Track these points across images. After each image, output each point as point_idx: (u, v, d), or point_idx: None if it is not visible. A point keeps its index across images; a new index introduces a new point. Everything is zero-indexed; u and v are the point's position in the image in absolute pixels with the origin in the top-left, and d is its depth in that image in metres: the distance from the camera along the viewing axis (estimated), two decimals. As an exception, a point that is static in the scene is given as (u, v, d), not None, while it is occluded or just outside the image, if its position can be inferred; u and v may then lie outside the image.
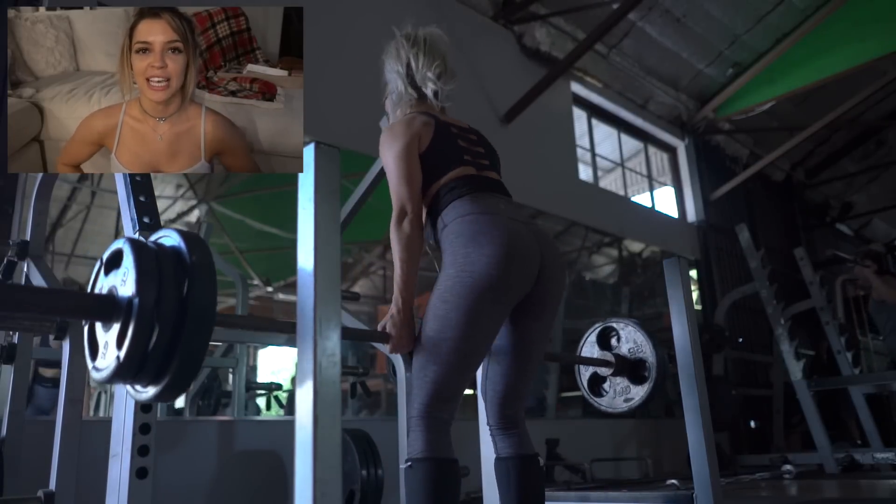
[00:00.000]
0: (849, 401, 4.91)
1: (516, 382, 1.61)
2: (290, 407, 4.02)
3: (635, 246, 6.87)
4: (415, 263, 1.56)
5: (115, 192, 1.52)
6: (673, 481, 3.08)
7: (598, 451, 4.63)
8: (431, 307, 1.52)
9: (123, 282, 0.90)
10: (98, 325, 0.94)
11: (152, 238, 0.97)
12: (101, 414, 3.76)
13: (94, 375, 0.93)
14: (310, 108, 4.11)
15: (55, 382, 2.82)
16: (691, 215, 7.47)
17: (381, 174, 2.48)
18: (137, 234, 1.40)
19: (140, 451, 1.30)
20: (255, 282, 4.18)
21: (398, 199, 1.59)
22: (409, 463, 1.46)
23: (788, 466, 4.08)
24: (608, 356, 2.11)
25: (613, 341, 2.14)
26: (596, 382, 2.17)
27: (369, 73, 4.47)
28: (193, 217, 4.22)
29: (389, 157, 1.63)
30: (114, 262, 0.94)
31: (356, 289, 4.32)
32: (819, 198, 9.96)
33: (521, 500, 1.55)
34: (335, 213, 1.05)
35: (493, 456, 1.64)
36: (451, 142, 1.67)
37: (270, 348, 4.30)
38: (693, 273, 7.19)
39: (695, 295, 7.08)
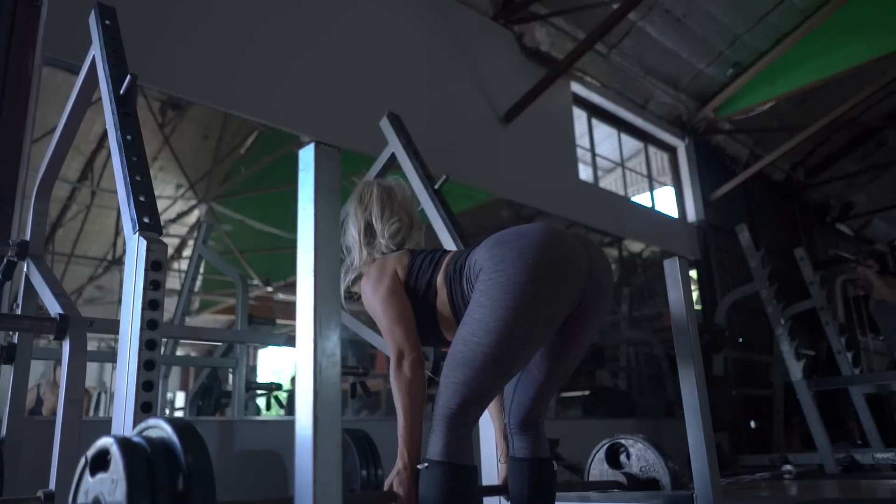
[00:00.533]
0: (849, 401, 4.91)
1: (547, 389, 1.60)
2: (290, 407, 4.02)
3: (635, 246, 6.87)
4: (420, 411, 1.49)
5: (115, 192, 1.52)
6: (673, 481, 3.07)
7: (598, 451, 4.61)
8: (468, 312, 1.45)
9: (112, 491, 0.82)
10: None
11: (138, 430, 0.89)
12: (101, 414, 3.76)
13: None
14: (310, 107, 4.12)
15: None
16: (691, 215, 7.47)
17: (381, 174, 2.48)
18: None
19: (140, 451, 1.30)
20: (255, 282, 4.17)
21: (394, 343, 1.54)
22: (427, 465, 1.42)
23: (788, 466, 4.08)
24: (619, 477, 2.06)
25: (623, 458, 2.09)
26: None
27: (370, 74, 4.48)
28: (193, 217, 4.22)
29: (376, 298, 1.60)
30: (100, 462, 0.86)
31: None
32: (819, 198, 9.95)
33: (532, 502, 1.57)
34: (335, 213, 1.05)
35: (494, 456, 1.65)
36: (430, 253, 1.67)
37: (270, 348, 4.30)
38: (693, 273, 7.19)
39: (695, 295, 7.07)
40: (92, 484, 0.86)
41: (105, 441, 0.85)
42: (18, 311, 2.22)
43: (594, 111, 6.79)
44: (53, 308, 1.67)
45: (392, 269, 1.63)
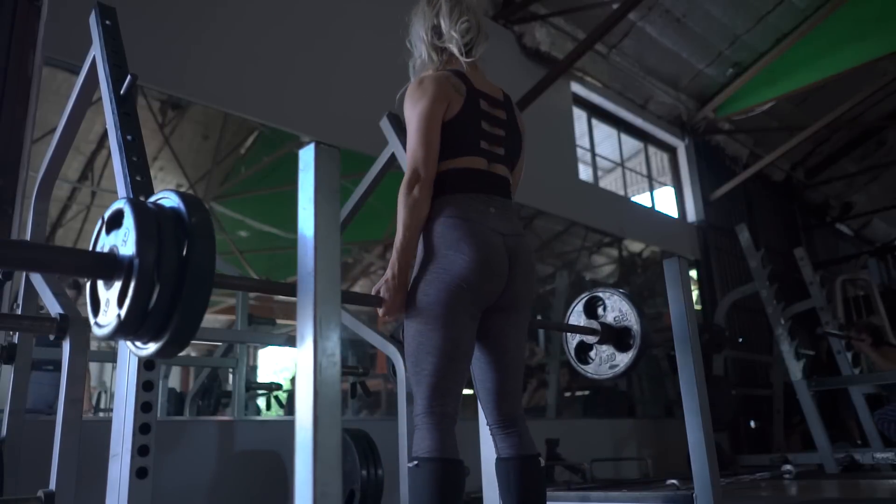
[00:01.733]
0: (849, 401, 4.91)
1: (502, 378, 1.63)
2: (290, 407, 4.02)
3: (635, 246, 6.87)
4: (418, 230, 1.57)
5: (115, 193, 1.52)
6: (673, 481, 3.08)
7: (598, 451, 4.63)
8: (414, 302, 1.54)
9: (125, 241, 0.92)
10: (100, 283, 0.97)
11: (152, 199, 0.98)
12: (101, 413, 3.76)
13: (96, 332, 0.95)
14: (310, 107, 4.12)
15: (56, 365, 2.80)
16: (691, 215, 7.47)
17: (381, 174, 2.48)
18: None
19: (140, 451, 1.30)
20: (255, 282, 4.17)
21: (413, 161, 1.57)
22: (416, 462, 1.45)
23: (788, 466, 4.08)
24: (594, 324, 2.13)
25: (600, 310, 2.16)
26: (583, 350, 2.20)
27: (370, 74, 4.48)
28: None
29: (413, 114, 1.60)
30: (115, 221, 0.96)
31: (356, 289, 4.32)
32: (819, 198, 9.95)
33: (521, 501, 1.55)
34: (335, 213, 1.05)
35: (494, 456, 1.64)
36: (474, 121, 1.65)
37: (270, 348, 4.30)
38: (693, 273, 7.20)
39: (695, 295, 7.08)
40: (107, 239, 0.96)
41: (119, 203, 0.95)
42: (19, 311, 2.23)
43: (594, 111, 6.79)
44: (54, 308, 1.67)
45: (447, 94, 1.61)
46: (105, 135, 3.32)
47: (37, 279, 1.94)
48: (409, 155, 1.60)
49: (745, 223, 5.65)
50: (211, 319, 4.23)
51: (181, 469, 2.96)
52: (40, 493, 1.47)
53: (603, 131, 6.96)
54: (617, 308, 2.12)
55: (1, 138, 2.92)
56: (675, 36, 6.66)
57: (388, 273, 1.57)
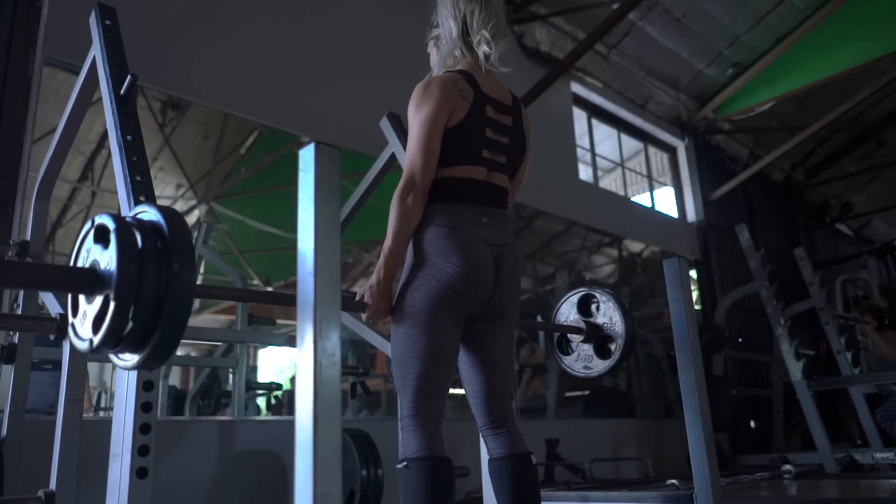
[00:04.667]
0: (848, 400, 4.91)
1: (489, 380, 1.64)
2: (289, 407, 4.02)
3: (635, 246, 6.87)
4: (407, 237, 1.58)
5: (116, 193, 1.52)
6: (673, 481, 3.08)
7: (598, 451, 4.63)
8: (401, 308, 1.55)
9: (105, 256, 0.93)
10: (81, 297, 0.98)
11: (131, 213, 0.99)
12: (102, 414, 3.76)
13: (77, 344, 0.97)
14: (310, 107, 4.12)
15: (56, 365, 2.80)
16: (691, 215, 7.47)
17: (381, 174, 2.48)
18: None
19: (140, 451, 1.30)
20: (255, 282, 4.17)
21: (411, 168, 1.57)
22: (405, 463, 1.46)
23: (788, 466, 4.08)
24: (581, 323, 2.12)
25: (592, 308, 2.15)
26: (567, 340, 2.20)
27: (370, 74, 4.48)
28: (193, 217, 4.22)
29: (416, 118, 1.60)
30: (95, 236, 0.97)
31: (356, 289, 4.31)
32: (819, 198, 9.95)
33: (515, 500, 1.55)
34: (335, 213, 1.05)
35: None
36: (478, 130, 1.63)
37: (270, 348, 4.30)
38: (693, 273, 7.20)
39: (695, 295, 7.08)
40: (89, 254, 0.98)
41: (98, 217, 0.97)
42: (19, 311, 2.23)
43: (594, 111, 6.79)
44: (54, 308, 1.67)
45: (452, 102, 1.60)
46: (105, 135, 3.32)
47: (37, 279, 1.94)
48: (407, 160, 1.59)
49: (745, 223, 5.65)
50: (211, 319, 4.23)
51: (181, 469, 2.96)
52: (40, 493, 1.47)
53: (603, 131, 6.96)
54: (608, 315, 2.10)
55: (1, 138, 2.92)
56: (675, 36, 6.66)
57: (374, 278, 1.59)
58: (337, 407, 0.97)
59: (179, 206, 4.16)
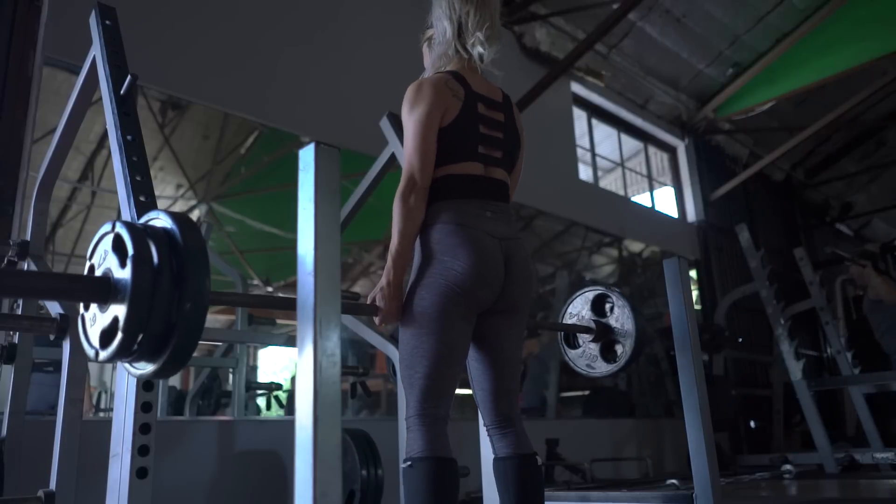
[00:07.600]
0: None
1: (499, 379, 1.64)
2: (290, 407, 4.02)
3: (635, 246, 6.87)
4: (413, 237, 1.58)
5: (116, 192, 1.52)
6: (673, 481, 3.08)
7: (598, 451, 4.63)
8: (410, 307, 1.55)
9: (119, 265, 0.92)
10: (95, 307, 0.97)
11: (143, 220, 0.98)
12: (102, 414, 3.76)
13: (91, 355, 0.95)
14: (310, 107, 4.12)
15: (56, 365, 2.80)
16: (691, 215, 7.47)
17: (381, 174, 2.48)
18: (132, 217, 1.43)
19: (140, 451, 1.30)
20: (255, 282, 4.17)
21: (409, 169, 1.58)
22: (409, 462, 1.46)
23: (788, 466, 4.08)
24: (591, 323, 2.10)
25: (606, 308, 2.12)
26: (575, 334, 2.18)
27: (370, 74, 4.48)
28: (193, 217, 4.22)
29: (410, 120, 1.61)
30: (108, 244, 0.96)
31: (356, 289, 4.32)
32: (819, 198, 9.95)
33: (519, 499, 1.55)
34: (335, 213, 1.05)
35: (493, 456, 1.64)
36: (472, 126, 1.64)
37: (270, 348, 4.30)
38: (693, 273, 7.19)
39: (695, 295, 7.08)
40: (102, 263, 0.97)
41: (110, 225, 0.96)
42: (19, 311, 2.23)
43: (594, 111, 6.79)
44: (54, 308, 1.67)
45: (444, 102, 1.60)
46: (105, 135, 3.32)
47: (37, 279, 1.94)
48: (405, 162, 1.61)
49: (745, 223, 5.64)
50: (211, 319, 4.23)
51: (181, 469, 2.96)
52: (40, 493, 1.48)
53: (603, 131, 6.96)
54: (621, 320, 2.08)
55: (1, 138, 2.92)
56: (675, 36, 6.66)
57: (384, 280, 1.58)
58: (337, 407, 0.97)
59: (179, 206, 4.16)
